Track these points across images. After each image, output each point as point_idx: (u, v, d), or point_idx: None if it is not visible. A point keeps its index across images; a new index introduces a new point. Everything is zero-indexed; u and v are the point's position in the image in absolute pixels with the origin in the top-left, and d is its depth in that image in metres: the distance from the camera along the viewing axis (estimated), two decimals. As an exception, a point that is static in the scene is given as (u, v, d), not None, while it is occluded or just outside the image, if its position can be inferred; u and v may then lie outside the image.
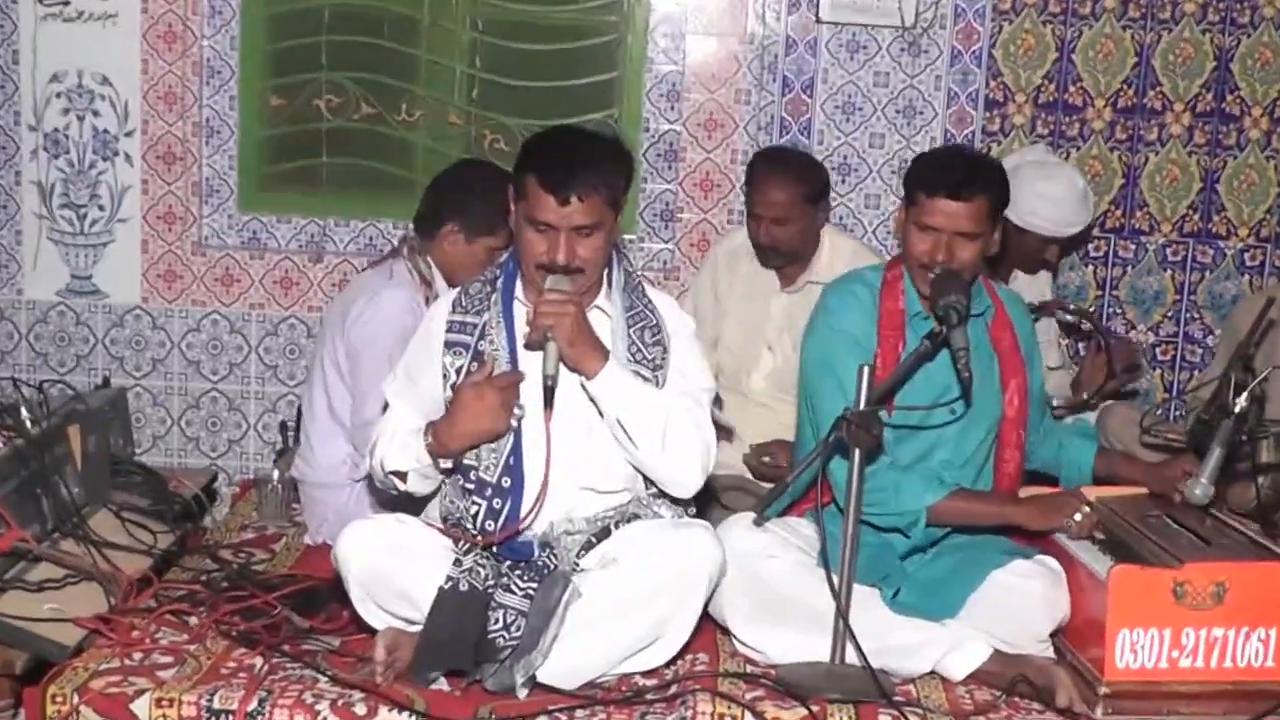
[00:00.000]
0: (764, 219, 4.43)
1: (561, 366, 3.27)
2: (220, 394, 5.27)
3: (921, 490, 3.44)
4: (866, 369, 3.22)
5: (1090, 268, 5.27)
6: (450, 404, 3.30)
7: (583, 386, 3.31)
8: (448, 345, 3.38)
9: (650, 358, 3.39)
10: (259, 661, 3.29)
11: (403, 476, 3.32)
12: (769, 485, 3.92)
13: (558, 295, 3.23)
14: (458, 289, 3.49)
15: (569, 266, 3.25)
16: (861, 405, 3.21)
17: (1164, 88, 5.17)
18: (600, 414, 3.33)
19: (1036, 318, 4.42)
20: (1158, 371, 5.36)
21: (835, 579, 3.25)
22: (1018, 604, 3.38)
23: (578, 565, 3.33)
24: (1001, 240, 4.64)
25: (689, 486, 3.40)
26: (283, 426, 4.96)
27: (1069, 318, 4.70)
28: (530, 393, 3.30)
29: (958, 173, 3.46)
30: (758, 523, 3.46)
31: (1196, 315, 5.35)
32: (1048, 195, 4.52)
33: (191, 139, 5.13)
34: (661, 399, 3.34)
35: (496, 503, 3.31)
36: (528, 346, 3.33)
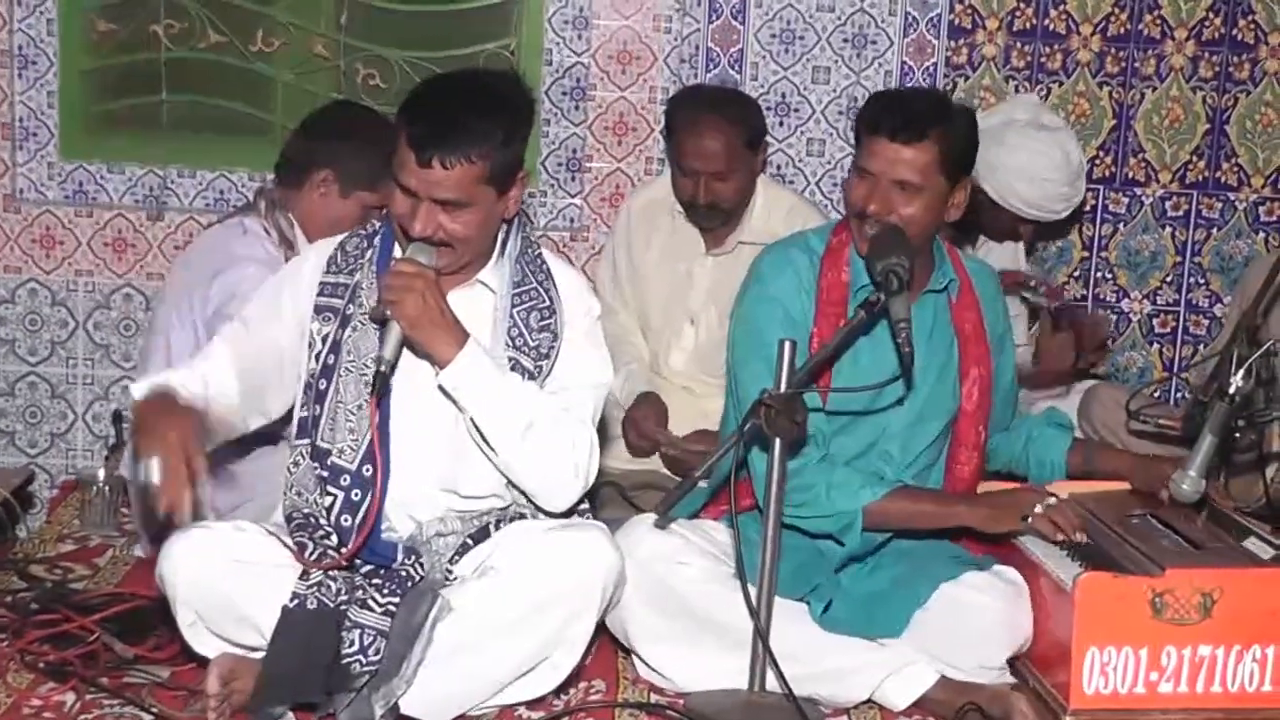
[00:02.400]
0: (701, 174, 4.47)
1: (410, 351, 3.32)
2: (40, 379, 5.24)
3: (857, 488, 3.47)
4: (790, 344, 3.25)
5: (1075, 225, 5.31)
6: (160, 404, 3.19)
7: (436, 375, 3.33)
8: (317, 310, 3.41)
9: (535, 345, 3.40)
10: (70, 698, 3.29)
11: None
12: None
13: (408, 267, 3.25)
14: (335, 244, 3.51)
15: (429, 239, 3.28)
16: (783, 387, 3.24)
17: (1163, 11, 5.21)
18: (457, 406, 3.35)
19: None
20: (1155, 347, 5.42)
21: (754, 592, 3.28)
22: (971, 624, 3.43)
23: (450, 573, 3.36)
24: (973, 209, 4.70)
25: (558, 502, 3.42)
26: (116, 417, 4.93)
27: (1031, 297, 4.73)
28: (404, 375, 3.34)
29: (904, 111, 3.49)
30: (660, 524, 3.49)
31: (1202, 280, 5.41)
32: (1031, 172, 4.57)
33: (0, 71, 5.10)
34: (529, 397, 3.35)
35: (355, 494, 3.34)
36: (372, 320, 3.35)
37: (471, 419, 3.31)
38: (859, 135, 3.55)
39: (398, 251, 3.41)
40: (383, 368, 3.23)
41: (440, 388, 3.31)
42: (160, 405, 3.16)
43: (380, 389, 3.26)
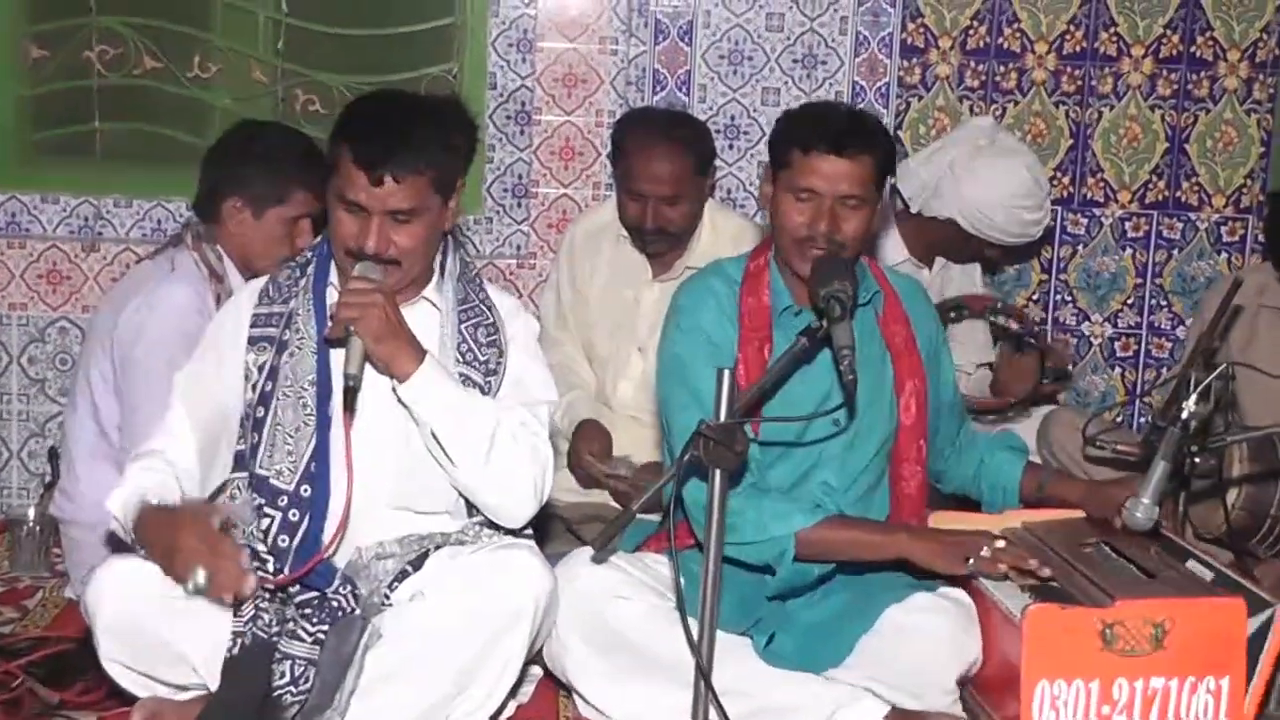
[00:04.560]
0: (650, 198, 4.48)
1: (371, 367, 3.35)
2: (-27, 415, 5.24)
3: (789, 514, 3.45)
4: (727, 373, 3.24)
5: (1035, 247, 5.32)
6: (160, 520, 3.18)
7: (394, 390, 3.37)
8: (251, 341, 3.47)
9: (483, 360, 3.48)
10: (-9, 746, 3.30)
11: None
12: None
13: (363, 284, 3.31)
14: (266, 279, 3.57)
15: (380, 255, 3.34)
16: (722, 416, 3.23)
17: (1120, 29, 5.26)
18: (415, 421, 3.39)
19: (958, 318, 4.49)
20: (1117, 371, 5.44)
21: (695, 627, 3.26)
22: (918, 647, 3.41)
23: (388, 599, 3.37)
24: (942, 238, 4.70)
25: (517, 516, 3.46)
26: (52, 454, 4.91)
27: (999, 320, 4.72)
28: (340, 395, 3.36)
29: (839, 123, 3.50)
30: (598, 559, 3.49)
31: (1164, 302, 5.44)
32: (1005, 199, 4.59)
33: (-70, 101, 5.10)
34: (489, 411, 3.41)
35: (293, 515, 3.36)
36: (328, 342, 3.41)
37: (432, 433, 3.36)
38: (785, 155, 3.53)
39: (333, 274, 3.49)
40: (351, 383, 3.28)
41: (401, 402, 3.37)
42: (158, 520, 3.15)
43: (351, 405, 3.30)
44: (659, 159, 4.46)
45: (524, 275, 5.19)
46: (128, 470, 3.37)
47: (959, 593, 3.52)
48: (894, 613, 3.44)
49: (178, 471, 3.35)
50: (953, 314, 4.50)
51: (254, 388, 3.44)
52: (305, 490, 3.37)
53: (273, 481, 3.38)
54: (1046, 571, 3.43)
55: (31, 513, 4.45)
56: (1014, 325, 4.71)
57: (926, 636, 3.42)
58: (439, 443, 3.37)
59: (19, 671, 3.50)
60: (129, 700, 3.31)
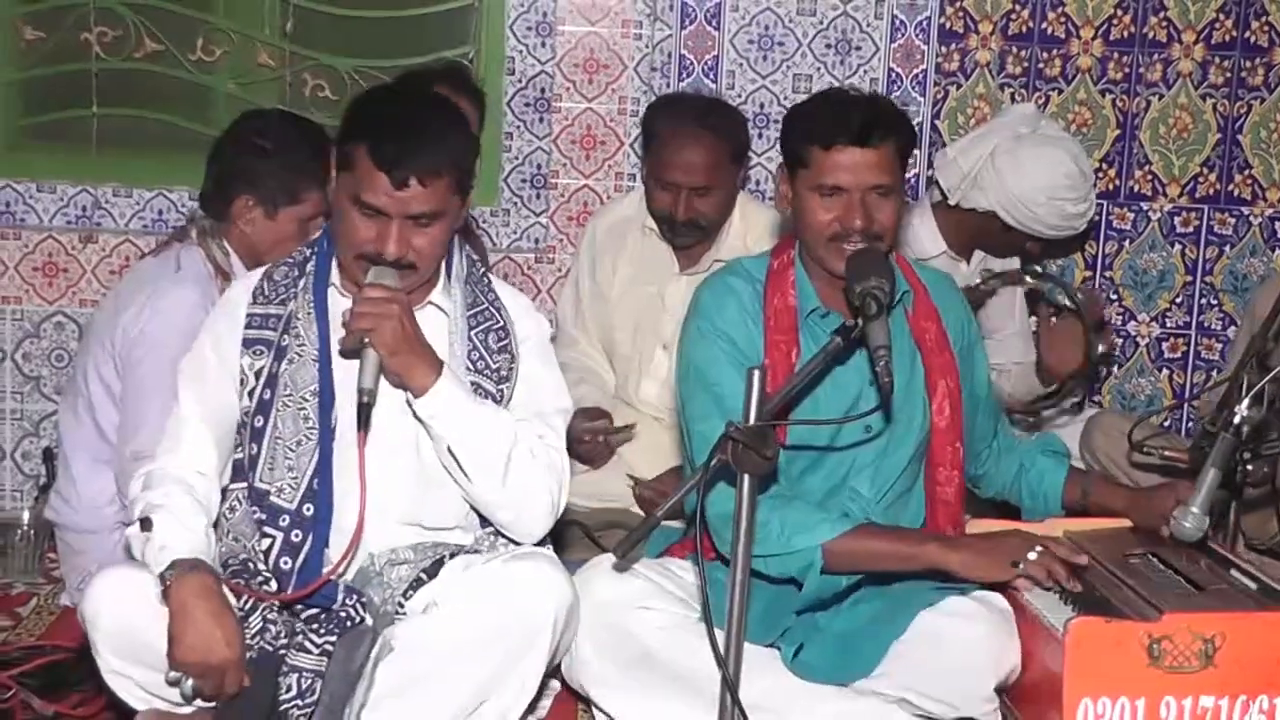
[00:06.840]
0: (682, 188, 4.49)
1: (384, 379, 3.32)
2: (-35, 414, 5.25)
3: (815, 524, 3.43)
4: (757, 372, 3.24)
5: (1078, 241, 5.31)
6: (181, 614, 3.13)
7: (408, 403, 3.35)
8: (246, 344, 3.43)
9: (495, 367, 3.46)
10: (-16, 760, 3.31)
11: (146, 524, 3.26)
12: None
13: (379, 292, 3.27)
14: (260, 273, 3.54)
15: (400, 261, 3.31)
16: (751, 419, 3.23)
17: (1169, 13, 5.25)
18: (430, 435, 3.38)
19: (994, 290, 4.47)
20: (1165, 373, 5.43)
21: (720, 638, 3.26)
22: (954, 653, 3.39)
23: (401, 607, 3.37)
24: (982, 232, 4.69)
25: (532, 532, 3.45)
26: (47, 455, 4.93)
27: (1032, 283, 4.68)
28: (346, 407, 3.36)
29: (857, 113, 3.47)
30: (620, 567, 3.49)
31: (1214, 301, 5.43)
32: (1050, 191, 4.57)
33: (-79, 85, 5.12)
34: (506, 424, 3.39)
35: (295, 535, 3.34)
36: (343, 354, 3.39)
37: (449, 448, 3.34)
38: (803, 153, 3.50)
39: (334, 274, 3.46)
40: (366, 399, 3.25)
41: (416, 416, 3.35)
42: (202, 599, 3.11)
43: (366, 422, 3.26)
44: (692, 147, 4.47)
45: (542, 270, 5.20)
46: (151, 488, 3.30)
47: (995, 596, 3.49)
48: (928, 617, 3.41)
49: (200, 497, 3.31)
50: (987, 284, 4.49)
51: (251, 394, 3.41)
52: (308, 509, 3.34)
53: (273, 499, 3.36)
54: (1075, 585, 3.42)
55: (25, 516, 4.46)
56: (1049, 287, 4.67)
57: (962, 643, 3.39)
58: (455, 459, 3.35)
59: (12, 682, 3.51)
60: (127, 713, 3.30)
